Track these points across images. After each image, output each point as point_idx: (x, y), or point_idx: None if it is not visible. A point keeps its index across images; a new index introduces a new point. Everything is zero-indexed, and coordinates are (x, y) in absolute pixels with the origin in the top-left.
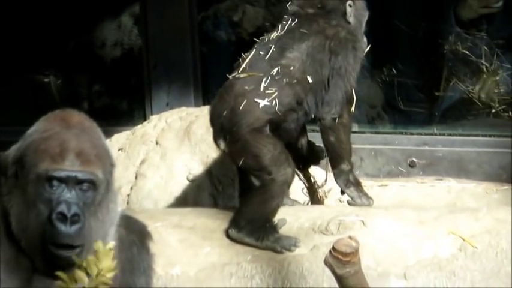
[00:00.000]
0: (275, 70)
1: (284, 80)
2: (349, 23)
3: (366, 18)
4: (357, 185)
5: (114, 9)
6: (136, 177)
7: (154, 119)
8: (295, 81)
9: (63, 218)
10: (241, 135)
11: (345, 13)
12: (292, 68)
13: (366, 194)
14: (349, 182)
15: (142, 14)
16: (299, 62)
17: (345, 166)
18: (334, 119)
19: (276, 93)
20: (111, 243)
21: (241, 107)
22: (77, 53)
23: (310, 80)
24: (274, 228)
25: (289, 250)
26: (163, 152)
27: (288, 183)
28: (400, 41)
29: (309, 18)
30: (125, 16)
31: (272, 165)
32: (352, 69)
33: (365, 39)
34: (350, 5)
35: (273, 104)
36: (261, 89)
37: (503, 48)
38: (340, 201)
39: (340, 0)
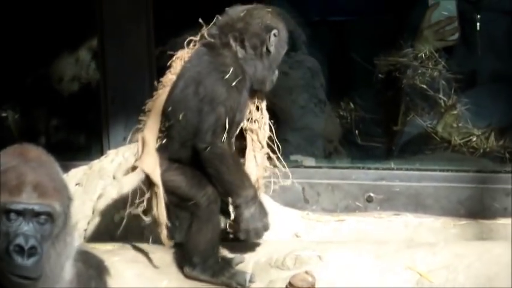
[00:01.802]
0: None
1: (167, 122)
2: (269, 52)
3: (285, 51)
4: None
5: (72, 43)
6: (93, 212)
7: (111, 153)
8: (172, 122)
9: (20, 250)
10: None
11: (266, 42)
12: (170, 108)
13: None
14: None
15: (99, 48)
16: (174, 100)
17: (236, 199)
18: (206, 149)
19: (165, 135)
20: None
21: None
22: (35, 87)
23: (180, 116)
24: (229, 264)
25: (244, 286)
26: (120, 186)
27: (213, 203)
28: (358, 75)
29: (213, 46)
30: (82, 50)
31: (190, 191)
32: (221, 98)
33: (276, 72)
34: (275, 35)
35: (166, 145)
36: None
37: (461, 82)
38: (297, 236)
39: (265, 28)
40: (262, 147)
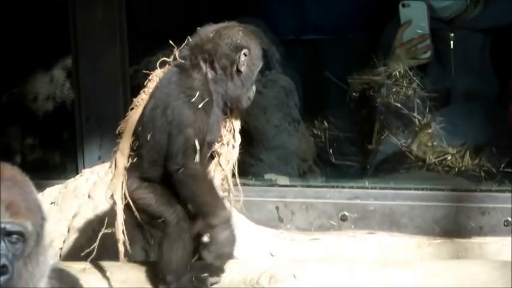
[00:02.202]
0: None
1: (137, 142)
2: (240, 72)
3: (259, 68)
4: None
5: (46, 62)
6: (68, 231)
7: (86, 172)
8: (141, 142)
9: None
10: (130, 196)
11: (236, 62)
12: (140, 128)
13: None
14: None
15: (74, 67)
16: (143, 121)
17: (212, 220)
18: (178, 170)
19: (135, 154)
20: None
21: None
22: (9, 106)
23: (148, 136)
24: (203, 283)
25: None
26: (96, 205)
27: (182, 220)
28: (332, 94)
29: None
30: (57, 69)
31: (159, 209)
32: (188, 121)
33: (254, 88)
34: (245, 54)
35: (137, 164)
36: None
37: (436, 100)
38: (271, 255)
39: (234, 48)
40: (223, 169)
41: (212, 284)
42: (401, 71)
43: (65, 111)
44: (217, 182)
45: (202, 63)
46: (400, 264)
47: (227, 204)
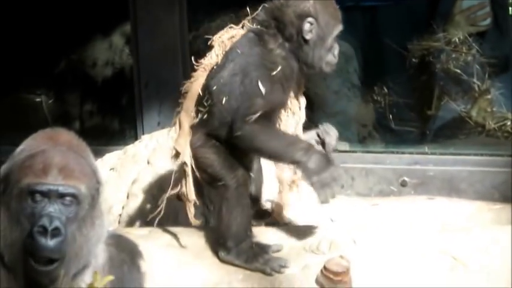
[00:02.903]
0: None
1: (210, 99)
2: (306, 40)
3: (334, 34)
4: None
5: (105, 28)
6: (127, 197)
7: (145, 138)
8: (215, 101)
9: (43, 231)
10: (193, 153)
11: (301, 31)
12: (214, 87)
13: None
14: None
15: (133, 33)
16: (220, 82)
17: (293, 155)
18: (244, 129)
19: (206, 111)
20: (110, 277)
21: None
22: (68, 72)
23: (224, 99)
24: (263, 250)
25: (279, 272)
26: (155, 171)
27: (242, 186)
28: (391, 60)
29: (261, 36)
30: (115, 35)
31: (220, 172)
32: (264, 92)
33: (335, 52)
34: (311, 22)
35: (206, 120)
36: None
37: (495, 66)
38: (331, 221)
39: (299, 16)
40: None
41: (274, 252)
42: (461, 37)
43: (123, 77)
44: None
45: (277, 32)
46: (459, 229)
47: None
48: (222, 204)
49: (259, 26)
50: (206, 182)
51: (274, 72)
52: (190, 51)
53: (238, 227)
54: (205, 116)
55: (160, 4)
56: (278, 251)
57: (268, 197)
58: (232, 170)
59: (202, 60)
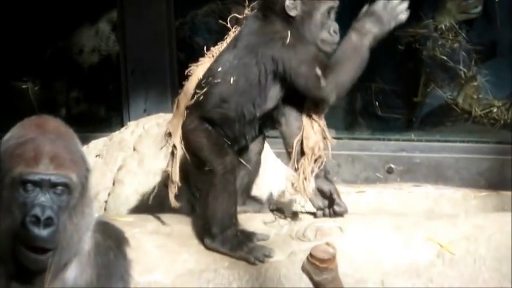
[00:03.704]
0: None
1: (212, 80)
2: (291, 17)
3: (322, 8)
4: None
5: (92, 15)
6: (113, 184)
7: (131, 125)
8: (220, 81)
9: (36, 221)
10: (185, 135)
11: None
12: (219, 69)
13: None
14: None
15: (119, 20)
16: (226, 64)
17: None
18: (325, 89)
19: (203, 92)
20: None
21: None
22: (55, 59)
23: (231, 81)
24: (248, 238)
25: (262, 261)
26: (141, 158)
27: (230, 173)
28: (378, 46)
29: (257, 18)
30: (102, 22)
31: (209, 156)
32: (299, 59)
33: (331, 29)
34: None
35: (202, 102)
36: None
37: (482, 53)
38: (320, 209)
39: None
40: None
41: (259, 241)
42: (447, 24)
43: (110, 64)
44: (315, 126)
45: (269, 13)
46: (445, 216)
47: None
48: (208, 190)
49: (258, 12)
50: (195, 166)
51: (288, 40)
52: (177, 39)
53: (223, 213)
54: (201, 97)
55: None
56: (263, 240)
57: (272, 188)
58: (220, 155)
59: (214, 48)
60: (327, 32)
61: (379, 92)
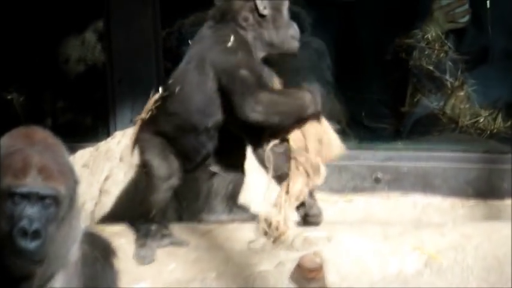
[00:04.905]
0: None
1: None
2: (263, 16)
3: (286, 3)
4: None
5: (78, 25)
6: (100, 194)
7: (118, 135)
8: (168, 93)
9: (24, 233)
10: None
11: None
12: (171, 80)
13: None
14: None
15: (105, 29)
16: (175, 75)
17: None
18: (255, 107)
19: (157, 104)
20: None
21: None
22: (41, 69)
23: (177, 89)
24: (154, 236)
25: (140, 263)
26: (127, 168)
27: (166, 180)
28: (365, 56)
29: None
30: (88, 32)
31: (151, 161)
32: (238, 62)
33: (295, 26)
34: None
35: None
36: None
37: (469, 63)
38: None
39: None
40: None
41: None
42: (433, 34)
43: (96, 73)
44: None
45: (228, 22)
46: (433, 226)
47: None
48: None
49: (211, 21)
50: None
51: (230, 43)
52: (164, 48)
53: (145, 208)
54: (155, 112)
55: (134, 0)
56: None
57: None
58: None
59: None
60: (293, 28)
61: (366, 101)
